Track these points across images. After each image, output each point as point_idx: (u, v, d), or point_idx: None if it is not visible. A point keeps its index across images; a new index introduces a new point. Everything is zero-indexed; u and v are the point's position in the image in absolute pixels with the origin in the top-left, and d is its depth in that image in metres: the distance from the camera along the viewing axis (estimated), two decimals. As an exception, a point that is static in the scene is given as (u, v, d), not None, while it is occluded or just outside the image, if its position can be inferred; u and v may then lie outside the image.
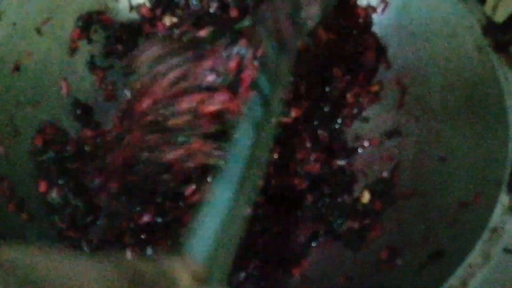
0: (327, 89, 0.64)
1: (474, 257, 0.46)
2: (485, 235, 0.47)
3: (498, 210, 0.48)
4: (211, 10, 0.64)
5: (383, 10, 0.65)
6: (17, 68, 0.62)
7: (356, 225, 0.60)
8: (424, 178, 0.59)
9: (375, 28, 0.66)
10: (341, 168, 0.64)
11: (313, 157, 0.63)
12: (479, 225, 0.48)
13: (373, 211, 0.60)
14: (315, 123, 0.65)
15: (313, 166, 0.63)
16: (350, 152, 0.65)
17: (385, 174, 0.62)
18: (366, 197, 0.60)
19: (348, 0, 0.65)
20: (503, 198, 0.48)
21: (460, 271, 0.46)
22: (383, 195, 0.61)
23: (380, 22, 0.66)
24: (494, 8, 0.76)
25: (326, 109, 0.65)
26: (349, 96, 0.65)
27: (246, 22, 0.62)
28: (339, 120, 0.66)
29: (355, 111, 0.66)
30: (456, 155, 0.57)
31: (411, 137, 0.63)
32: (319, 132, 0.65)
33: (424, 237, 0.54)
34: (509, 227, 0.47)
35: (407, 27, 0.63)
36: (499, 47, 0.55)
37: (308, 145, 0.64)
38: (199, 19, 0.64)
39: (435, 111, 0.61)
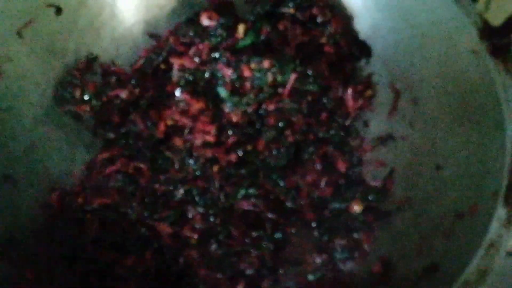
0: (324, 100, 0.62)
1: (470, 273, 0.45)
2: (482, 250, 0.45)
3: (495, 224, 0.46)
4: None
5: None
6: (-3, 73, 0.60)
7: (344, 241, 0.58)
8: (418, 186, 0.58)
9: (369, 31, 0.64)
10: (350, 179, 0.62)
11: (324, 180, 0.61)
12: (475, 238, 0.47)
13: (364, 222, 0.58)
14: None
15: (325, 190, 0.61)
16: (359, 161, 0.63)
17: (378, 181, 0.61)
18: (359, 206, 0.58)
19: None
20: (500, 212, 0.46)
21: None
22: (375, 204, 0.59)
23: (374, 25, 0.64)
24: (487, 6, 0.74)
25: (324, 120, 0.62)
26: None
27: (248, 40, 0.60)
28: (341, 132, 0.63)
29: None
30: (452, 163, 0.55)
31: (405, 143, 0.61)
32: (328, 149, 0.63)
33: (418, 249, 0.52)
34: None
35: (402, 31, 0.61)
36: (496, 52, 0.53)
37: (319, 167, 0.62)
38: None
39: (430, 116, 0.59)
